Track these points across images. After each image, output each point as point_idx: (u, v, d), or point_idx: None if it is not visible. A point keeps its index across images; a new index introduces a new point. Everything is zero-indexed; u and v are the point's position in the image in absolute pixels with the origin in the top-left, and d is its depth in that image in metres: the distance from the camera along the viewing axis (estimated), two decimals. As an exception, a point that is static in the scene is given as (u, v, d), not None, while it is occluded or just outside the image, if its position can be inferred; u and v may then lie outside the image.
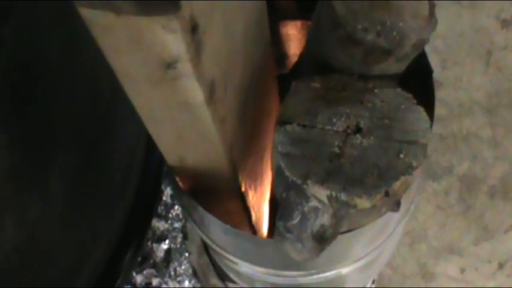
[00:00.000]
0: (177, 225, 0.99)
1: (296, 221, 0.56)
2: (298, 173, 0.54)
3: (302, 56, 0.67)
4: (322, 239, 0.56)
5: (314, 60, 0.62)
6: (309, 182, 0.53)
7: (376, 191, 0.53)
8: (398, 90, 0.58)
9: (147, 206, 0.94)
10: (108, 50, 0.43)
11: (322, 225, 0.55)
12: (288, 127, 0.56)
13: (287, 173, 0.54)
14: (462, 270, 1.28)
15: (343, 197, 0.53)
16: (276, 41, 0.76)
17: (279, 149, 0.55)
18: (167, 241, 1.00)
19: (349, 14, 0.56)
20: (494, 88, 1.39)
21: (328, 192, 0.53)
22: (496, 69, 1.39)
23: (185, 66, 0.43)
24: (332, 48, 0.58)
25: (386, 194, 0.54)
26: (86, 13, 0.39)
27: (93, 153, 0.83)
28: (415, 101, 0.58)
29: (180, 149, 0.58)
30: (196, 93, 0.46)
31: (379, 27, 0.57)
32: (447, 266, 1.29)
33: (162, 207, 0.99)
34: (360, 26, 0.56)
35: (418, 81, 0.67)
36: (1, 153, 0.65)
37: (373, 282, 1.06)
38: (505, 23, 1.43)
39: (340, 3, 0.56)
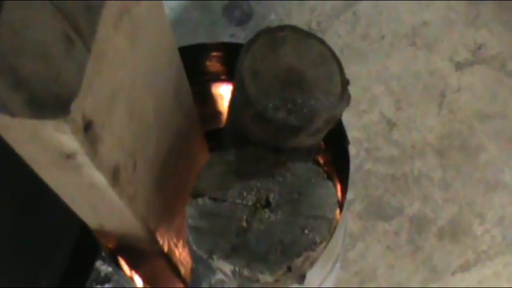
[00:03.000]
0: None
1: (205, 291, 0.58)
2: (205, 248, 0.56)
3: (226, 123, 0.70)
4: (230, 310, 0.59)
5: (234, 130, 0.65)
6: (214, 257, 0.56)
7: (278, 267, 0.56)
8: (310, 164, 0.61)
9: (90, 248, 0.96)
10: (12, 142, 0.45)
11: (228, 297, 0.58)
12: (200, 200, 0.59)
13: (194, 248, 0.56)
14: (410, 312, 1.31)
15: (246, 272, 0.55)
16: (208, 100, 0.79)
17: (189, 222, 0.57)
18: (109, 284, 1.02)
19: (260, 93, 0.59)
20: (446, 130, 1.41)
21: (232, 267, 0.55)
22: (449, 111, 1.42)
23: (83, 158, 0.45)
24: (246, 123, 0.61)
25: (289, 269, 0.56)
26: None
27: (35, 194, 0.85)
28: (325, 176, 0.60)
29: (97, 217, 0.60)
30: (98, 178, 0.49)
31: (290, 106, 0.59)
32: (395, 307, 1.31)
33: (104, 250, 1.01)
34: (270, 105, 0.59)
35: (338, 150, 0.69)
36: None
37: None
38: (458, 66, 1.46)
39: (252, 82, 0.59)
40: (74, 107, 0.41)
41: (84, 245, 0.96)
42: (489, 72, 1.45)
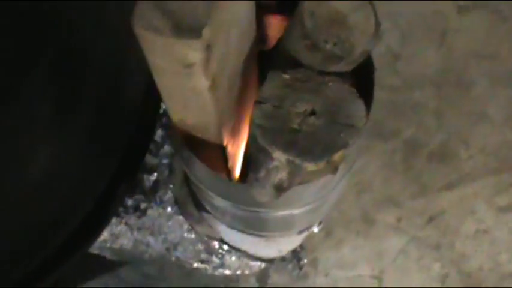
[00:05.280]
0: (165, 161, 1.21)
1: (262, 174, 0.78)
2: (267, 141, 0.76)
3: (278, 46, 0.88)
4: (280, 188, 0.79)
5: (287, 53, 0.83)
6: (274, 147, 0.75)
7: (320, 159, 0.75)
8: (346, 86, 0.80)
9: (142, 145, 1.16)
10: (149, 54, 0.64)
11: (280, 179, 0.78)
12: (263, 106, 0.78)
13: (259, 140, 0.76)
14: (398, 220, 1.51)
15: (297, 161, 0.75)
16: (259, 26, 0.97)
17: (255, 121, 0.77)
18: (155, 174, 1.22)
19: (314, 28, 0.77)
20: (444, 65, 1.60)
21: (287, 157, 0.75)
22: (447, 49, 1.61)
23: (198, 68, 0.64)
24: (300, 50, 0.79)
25: (328, 162, 0.76)
26: (140, 31, 0.61)
27: (108, 97, 1.04)
28: (357, 95, 0.80)
29: (184, 113, 0.79)
30: (203, 83, 0.68)
31: (335, 40, 0.78)
32: (386, 214, 1.51)
33: (153, 145, 1.20)
34: (321, 38, 0.77)
35: (365, 76, 0.88)
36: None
37: (319, 224, 1.28)
38: (460, 9, 1.63)
39: (309, 19, 0.77)
40: (204, 33, 0.60)
41: (137, 143, 1.15)
42: (487, 17, 1.61)
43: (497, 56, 1.59)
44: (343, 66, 0.80)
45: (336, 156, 0.76)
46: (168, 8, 0.60)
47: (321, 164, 0.76)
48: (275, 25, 0.97)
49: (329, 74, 0.80)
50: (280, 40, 0.87)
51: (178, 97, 0.74)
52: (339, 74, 0.81)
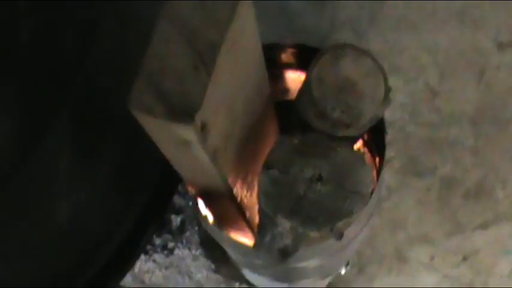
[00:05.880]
0: (191, 202, 1.23)
1: (268, 238, 0.80)
2: (272, 208, 0.77)
3: (291, 107, 0.89)
4: (285, 253, 0.80)
5: (299, 118, 0.84)
6: (278, 215, 0.76)
7: (323, 228, 0.76)
8: (354, 151, 0.81)
9: (170, 185, 1.18)
10: (150, 132, 0.66)
11: (285, 244, 0.79)
12: (271, 171, 0.79)
13: (263, 207, 0.77)
14: (431, 258, 1.51)
15: (300, 229, 0.76)
16: (280, 81, 0.98)
17: (262, 187, 0.78)
18: (182, 214, 1.24)
19: (322, 96, 0.78)
20: (482, 102, 1.58)
21: (290, 224, 0.76)
22: (486, 86, 1.59)
23: (196, 145, 0.66)
24: (310, 116, 0.80)
25: (331, 229, 0.77)
26: (138, 114, 0.63)
27: (133, 138, 1.06)
28: (365, 160, 0.80)
29: (193, 176, 0.81)
30: (203, 157, 0.69)
31: (343, 107, 0.79)
32: (419, 252, 1.51)
33: (181, 186, 1.22)
34: (329, 106, 0.78)
35: (379, 137, 0.89)
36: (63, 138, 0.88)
37: (347, 265, 1.29)
38: (500, 46, 1.62)
39: (317, 87, 0.78)
40: (197, 116, 0.61)
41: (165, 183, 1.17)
42: (528, 54, 1.59)
43: (537, 93, 1.57)
44: (352, 132, 0.80)
45: (340, 224, 0.77)
46: (162, 90, 0.62)
47: (324, 232, 0.76)
48: (295, 79, 0.98)
49: (338, 138, 0.81)
50: (294, 101, 0.88)
51: (183, 164, 0.76)
52: (350, 138, 0.82)
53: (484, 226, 1.51)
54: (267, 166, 0.79)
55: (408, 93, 1.57)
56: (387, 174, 1.48)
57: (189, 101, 0.62)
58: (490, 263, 1.50)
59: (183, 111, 0.61)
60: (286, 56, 0.92)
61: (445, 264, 1.50)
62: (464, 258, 1.50)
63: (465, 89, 1.59)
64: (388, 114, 0.81)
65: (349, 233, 0.82)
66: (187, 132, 0.63)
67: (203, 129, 0.64)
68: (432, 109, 1.58)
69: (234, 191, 0.86)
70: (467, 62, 1.61)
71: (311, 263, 0.96)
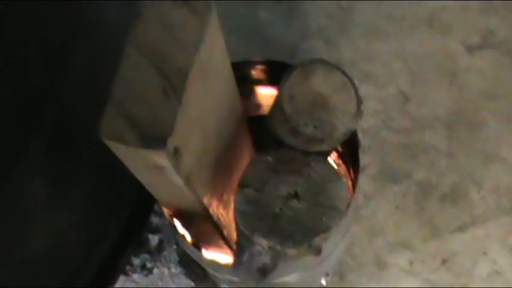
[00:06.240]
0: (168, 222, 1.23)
1: (246, 257, 0.79)
2: (248, 228, 0.77)
3: (264, 124, 0.89)
4: (264, 272, 0.80)
5: (272, 135, 0.84)
6: (255, 234, 0.76)
7: (301, 244, 0.76)
8: (328, 166, 0.81)
9: (146, 205, 1.17)
10: (122, 158, 0.66)
11: (263, 263, 0.79)
12: (245, 190, 0.79)
13: (240, 227, 0.77)
14: (411, 263, 1.51)
15: (278, 247, 0.76)
16: (252, 97, 0.98)
17: (238, 207, 0.78)
18: (160, 233, 1.23)
19: (294, 113, 0.78)
20: (454, 106, 1.59)
21: (268, 243, 0.76)
22: (458, 90, 1.60)
23: (169, 170, 0.66)
24: (282, 133, 0.80)
25: (309, 246, 0.76)
26: (109, 142, 0.62)
27: (107, 162, 1.06)
28: (340, 175, 0.80)
29: (168, 199, 0.80)
30: (177, 181, 0.69)
31: (316, 122, 0.79)
32: (399, 258, 1.51)
33: (157, 206, 1.22)
34: (302, 122, 0.78)
35: (352, 150, 0.89)
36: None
37: (327, 275, 1.29)
38: (469, 49, 1.63)
39: (289, 104, 0.78)
40: (169, 142, 0.61)
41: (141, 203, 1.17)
42: (497, 56, 1.61)
43: (508, 95, 1.58)
44: (326, 147, 0.80)
45: (318, 240, 0.77)
46: (133, 117, 0.62)
47: (302, 249, 0.76)
48: (267, 95, 0.98)
49: (313, 153, 0.81)
50: (266, 118, 0.88)
51: (158, 188, 0.75)
52: (324, 153, 0.82)
53: (461, 229, 1.52)
54: (242, 185, 0.79)
55: (381, 99, 1.58)
56: (363, 182, 1.49)
57: (160, 126, 0.61)
58: (469, 265, 1.50)
59: (155, 137, 0.61)
60: (256, 73, 0.92)
61: (425, 268, 1.50)
62: (444, 262, 1.50)
63: (437, 94, 1.60)
64: (361, 122, 0.81)
65: (327, 246, 0.82)
66: (160, 158, 0.63)
67: (175, 153, 0.63)
68: (405, 114, 1.59)
69: (210, 210, 0.85)
70: (438, 67, 1.62)
71: (290, 278, 0.95)
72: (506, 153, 1.54)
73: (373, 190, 1.54)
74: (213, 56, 0.67)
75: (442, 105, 1.59)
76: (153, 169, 0.66)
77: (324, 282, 1.28)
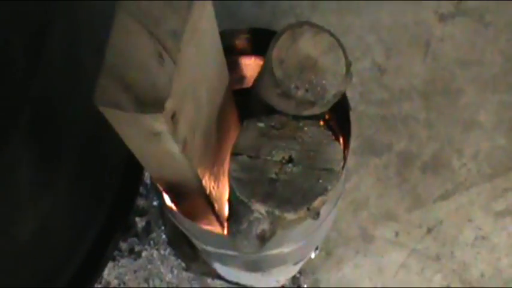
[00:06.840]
0: (155, 203, 1.22)
1: (244, 226, 0.78)
2: (245, 194, 0.76)
3: (252, 92, 0.88)
4: (262, 239, 0.79)
5: (261, 100, 0.83)
6: (253, 200, 0.75)
7: (300, 208, 0.75)
8: (322, 128, 0.80)
9: (132, 188, 1.16)
10: (116, 126, 0.64)
11: (262, 229, 0.78)
12: (239, 157, 0.78)
13: (237, 193, 0.76)
14: (396, 234, 1.51)
15: (277, 212, 0.75)
16: (237, 68, 0.97)
17: (232, 174, 0.77)
18: (147, 216, 1.22)
19: (284, 76, 0.77)
20: (430, 76, 1.60)
21: (266, 208, 0.75)
22: (433, 59, 1.60)
23: (166, 136, 0.64)
24: (273, 98, 0.79)
25: (308, 209, 0.76)
26: (105, 109, 0.61)
27: (90, 147, 1.04)
28: (333, 138, 0.80)
29: (161, 171, 0.79)
30: (173, 148, 0.68)
31: (307, 85, 0.78)
32: (384, 230, 1.51)
33: (143, 188, 1.21)
34: (292, 85, 0.77)
35: (342, 114, 0.88)
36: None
37: (316, 249, 1.28)
38: (442, 18, 1.63)
39: (278, 68, 0.77)
40: (167, 105, 0.60)
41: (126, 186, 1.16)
42: (469, 24, 1.61)
43: (483, 61, 1.59)
44: (317, 110, 0.80)
45: (316, 203, 0.76)
46: (128, 82, 0.61)
47: (301, 213, 0.75)
48: (251, 65, 0.97)
49: (304, 117, 0.80)
50: (253, 87, 0.87)
51: (151, 159, 0.74)
52: (315, 117, 0.81)
53: (445, 197, 1.52)
54: (236, 153, 0.78)
55: (356, 73, 1.57)
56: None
57: (157, 90, 0.60)
58: (454, 233, 1.51)
59: (152, 101, 0.60)
60: (240, 42, 0.91)
61: (411, 238, 1.51)
62: (429, 231, 1.51)
63: (412, 64, 1.60)
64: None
65: (323, 212, 0.81)
66: (158, 123, 0.61)
67: (173, 118, 0.62)
68: (382, 86, 1.59)
69: (203, 182, 0.84)
70: (412, 37, 1.62)
71: (285, 249, 0.95)
72: (484, 119, 1.55)
73: (355, 163, 1.54)
74: (203, 20, 0.66)
75: (418, 75, 1.60)
76: (149, 137, 0.65)
77: (313, 255, 1.28)
